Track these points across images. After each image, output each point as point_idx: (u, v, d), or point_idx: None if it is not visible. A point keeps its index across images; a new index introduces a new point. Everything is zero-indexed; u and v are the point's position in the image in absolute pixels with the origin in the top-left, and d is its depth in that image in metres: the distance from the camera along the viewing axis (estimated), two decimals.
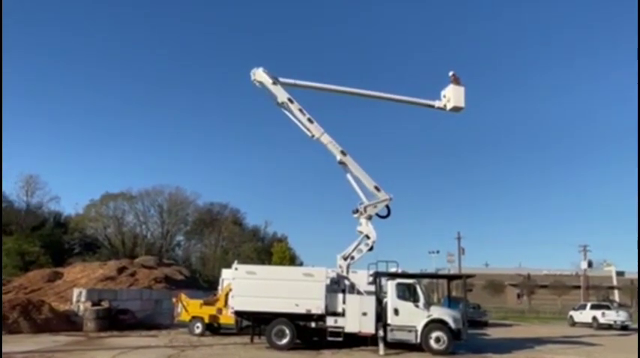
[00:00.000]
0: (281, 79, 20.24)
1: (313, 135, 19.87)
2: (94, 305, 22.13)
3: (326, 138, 19.84)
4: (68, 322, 21.82)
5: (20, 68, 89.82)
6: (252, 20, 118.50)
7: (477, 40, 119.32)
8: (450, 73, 19.99)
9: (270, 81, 20.00)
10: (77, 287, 24.80)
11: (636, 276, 74.08)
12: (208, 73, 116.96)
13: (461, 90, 19.84)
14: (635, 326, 34.74)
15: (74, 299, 23.25)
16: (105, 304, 22.49)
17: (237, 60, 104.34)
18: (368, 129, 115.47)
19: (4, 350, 14.23)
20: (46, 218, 56.66)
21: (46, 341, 17.32)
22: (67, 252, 52.47)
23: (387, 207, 19.80)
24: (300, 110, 19.93)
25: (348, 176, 19.78)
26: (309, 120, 19.88)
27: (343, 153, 19.71)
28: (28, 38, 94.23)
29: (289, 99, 19.96)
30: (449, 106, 19.88)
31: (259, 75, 20.14)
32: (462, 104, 19.79)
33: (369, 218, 19.36)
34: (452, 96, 19.71)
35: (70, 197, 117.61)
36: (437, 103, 20.39)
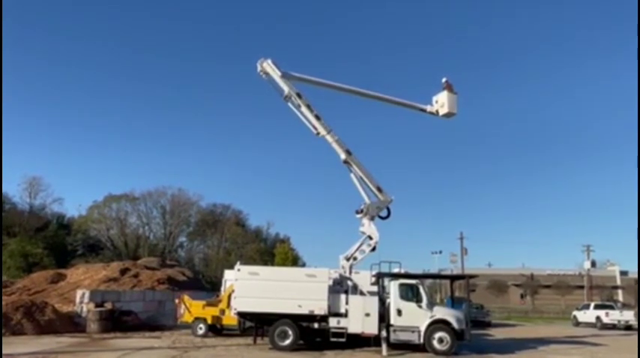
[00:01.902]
0: (287, 72, 19.71)
1: (319, 133, 19.61)
2: (97, 306, 22.12)
3: (332, 137, 19.60)
4: (71, 323, 21.83)
5: (23, 70, 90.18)
6: (252, 19, 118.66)
7: (479, 40, 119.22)
8: (444, 80, 20.30)
9: (279, 73, 19.53)
10: (80, 289, 24.82)
11: None
12: (210, 73, 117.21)
13: (454, 97, 20.23)
14: None
15: (77, 300, 23.26)
16: (108, 305, 22.49)
17: (240, 60, 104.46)
18: (369, 126, 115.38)
19: (7, 351, 14.27)
20: (49, 219, 56.81)
21: (49, 342, 17.33)
22: (70, 253, 52.63)
23: (388, 208, 19.84)
24: (308, 106, 19.59)
25: (352, 176, 19.70)
26: (317, 116, 19.56)
27: (348, 152, 19.59)
28: (30, 40, 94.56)
29: (298, 94, 19.54)
30: (442, 112, 20.21)
31: (267, 66, 19.66)
32: (455, 111, 20.24)
33: (372, 218, 19.32)
34: (446, 102, 20.03)
35: (73, 198, 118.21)
36: (428, 108, 20.65)
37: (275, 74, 19.60)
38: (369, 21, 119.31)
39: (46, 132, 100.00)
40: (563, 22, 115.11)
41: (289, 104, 19.83)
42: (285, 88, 19.58)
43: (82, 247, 56.66)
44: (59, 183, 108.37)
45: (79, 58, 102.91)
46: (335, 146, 19.64)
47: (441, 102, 20.18)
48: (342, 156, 19.60)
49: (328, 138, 19.63)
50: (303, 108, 19.59)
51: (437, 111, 20.36)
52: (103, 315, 21.72)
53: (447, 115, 20.24)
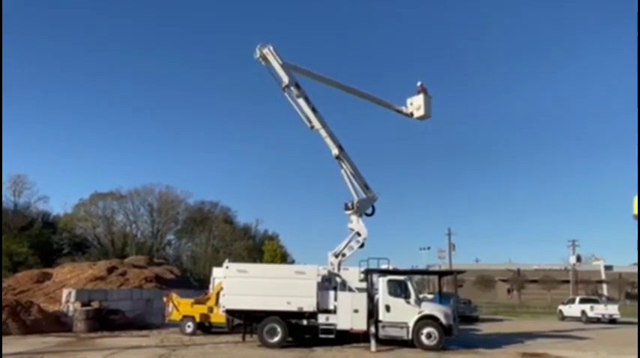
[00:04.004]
0: (286, 62, 19.25)
1: (313, 126, 19.46)
2: (83, 305, 21.89)
3: (326, 131, 19.50)
4: (58, 323, 21.60)
5: (11, 69, 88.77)
6: (242, 19, 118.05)
7: (478, 42, 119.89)
8: (419, 83, 20.94)
9: (280, 61, 19.05)
10: (66, 288, 24.57)
11: (624, 270, 75.19)
12: (197, 70, 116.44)
13: (429, 100, 20.88)
14: (624, 319, 35.16)
15: (64, 299, 23.01)
16: (95, 304, 22.28)
17: (226, 57, 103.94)
18: (360, 125, 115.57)
19: None
20: (35, 218, 55.87)
21: (35, 342, 17.15)
22: (55, 252, 51.88)
23: (372, 206, 19.97)
24: (306, 98, 19.40)
25: (342, 172, 19.72)
26: (313, 109, 19.39)
27: (340, 148, 19.59)
28: (19, 37, 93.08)
29: (296, 85, 19.26)
30: (417, 114, 20.89)
31: (268, 53, 19.00)
32: (430, 114, 20.95)
33: (360, 215, 19.40)
34: (422, 105, 20.69)
35: (58, 196, 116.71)
36: (404, 109, 21.24)
37: (276, 62, 19.09)
38: (358, 19, 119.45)
39: (32, 129, 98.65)
40: (555, 22, 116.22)
41: (286, 94, 19.49)
42: (285, 78, 19.16)
43: (68, 246, 55.84)
44: (44, 180, 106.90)
45: (66, 55, 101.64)
46: (328, 141, 19.57)
47: (417, 104, 20.82)
48: (335, 151, 19.57)
49: (322, 132, 19.50)
50: (301, 100, 19.32)
51: (411, 113, 20.98)
52: (90, 314, 21.51)
53: (422, 118, 20.95)
